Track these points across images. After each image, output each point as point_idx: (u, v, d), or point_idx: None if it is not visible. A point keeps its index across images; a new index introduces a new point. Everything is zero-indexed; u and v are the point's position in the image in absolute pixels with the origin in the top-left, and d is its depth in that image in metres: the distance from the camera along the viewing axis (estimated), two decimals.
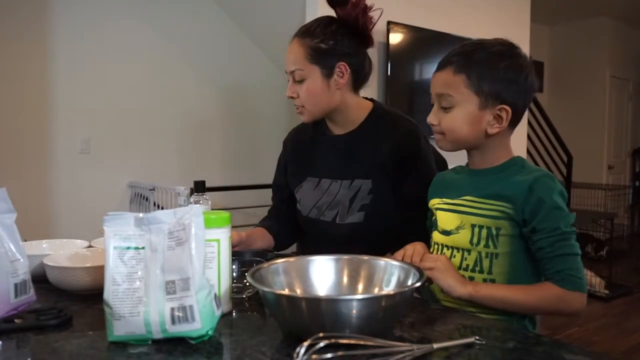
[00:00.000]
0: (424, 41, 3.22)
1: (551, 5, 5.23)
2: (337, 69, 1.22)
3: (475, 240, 0.98)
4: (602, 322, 3.31)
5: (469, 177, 1.06)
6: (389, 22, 3.07)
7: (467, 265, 0.99)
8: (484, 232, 0.97)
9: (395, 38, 3.11)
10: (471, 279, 0.98)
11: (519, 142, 4.12)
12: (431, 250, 1.09)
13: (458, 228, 1.01)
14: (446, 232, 1.03)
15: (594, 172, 5.77)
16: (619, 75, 6.05)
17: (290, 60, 1.23)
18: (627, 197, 5.26)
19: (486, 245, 0.97)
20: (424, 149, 1.25)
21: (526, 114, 4.24)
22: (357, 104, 1.29)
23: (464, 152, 1.07)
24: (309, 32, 1.22)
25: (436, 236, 1.07)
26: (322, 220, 1.28)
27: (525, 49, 4.05)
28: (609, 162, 6.00)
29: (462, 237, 1.00)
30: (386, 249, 1.18)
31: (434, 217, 1.09)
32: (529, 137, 4.45)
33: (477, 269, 0.98)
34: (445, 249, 1.04)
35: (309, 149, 1.36)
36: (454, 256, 1.01)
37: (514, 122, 1.01)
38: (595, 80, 5.92)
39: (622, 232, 4.71)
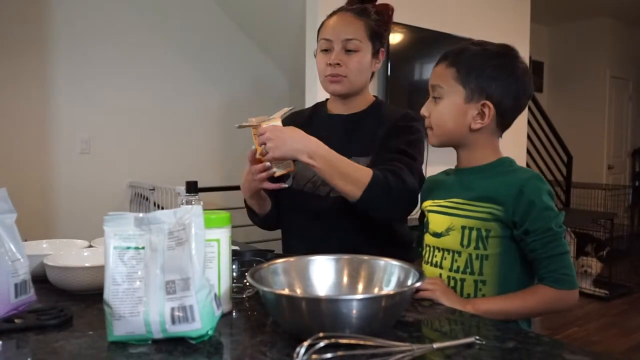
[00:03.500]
0: (424, 41, 3.22)
1: (551, 5, 5.24)
2: (380, 54, 1.31)
3: (465, 242, 0.99)
4: (602, 322, 3.31)
5: (457, 177, 1.07)
6: None
7: (458, 267, 0.99)
8: (474, 233, 0.98)
9: (395, 38, 3.11)
10: (462, 281, 0.99)
11: (519, 142, 4.11)
12: (423, 252, 1.09)
13: (448, 230, 1.01)
14: (437, 234, 1.04)
15: (594, 172, 5.77)
16: (619, 75, 6.05)
17: (348, 30, 1.25)
18: (627, 197, 5.25)
19: (476, 247, 0.98)
20: (418, 126, 1.27)
21: (526, 114, 4.27)
22: (367, 92, 1.36)
23: (454, 155, 1.09)
24: (366, 12, 1.28)
25: (427, 238, 1.08)
26: (316, 194, 1.27)
27: (525, 49, 4.07)
28: (609, 162, 6.00)
29: (452, 239, 1.00)
30: (372, 230, 1.23)
31: (425, 219, 1.10)
32: (529, 137, 4.45)
33: (468, 270, 0.98)
34: (436, 251, 1.04)
35: (303, 128, 1.34)
36: (445, 258, 1.02)
37: (502, 124, 1.02)
38: (595, 80, 5.92)
39: (622, 232, 4.71)
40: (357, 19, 1.27)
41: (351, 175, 1.08)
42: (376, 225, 1.24)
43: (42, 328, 0.74)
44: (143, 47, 3.58)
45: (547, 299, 0.93)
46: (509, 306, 0.94)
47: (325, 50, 1.28)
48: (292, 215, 1.34)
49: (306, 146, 1.06)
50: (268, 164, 1.11)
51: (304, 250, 1.12)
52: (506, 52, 1.01)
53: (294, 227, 1.36)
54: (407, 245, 1.34)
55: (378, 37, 1.29)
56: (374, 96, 1.39)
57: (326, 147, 1.10)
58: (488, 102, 0.98)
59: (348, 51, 1.25)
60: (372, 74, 1.35)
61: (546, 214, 0.93)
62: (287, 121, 1.43)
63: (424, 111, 1.05)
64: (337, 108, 1.36)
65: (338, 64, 1.25)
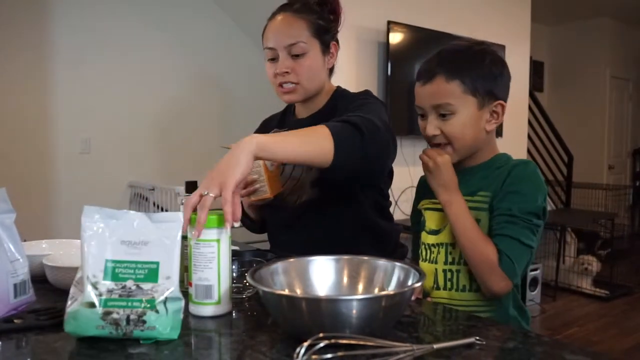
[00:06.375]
0: (424, 41, 3.22)
1: (551, 5, 5.24)
2: (332, 48, 1.23)
3: None
4: (602, 322, 3.31)
5: (457, 176, 1.05)
6: (389, 22, 3.07)
7: (453, 259, 1.00)
8: None
9: (395, 38, 3.11)
10: (457, 272, 0.99)
11: (519, 142, 4.12)
12: (419, 250, 1.09)
13: (445, 226, 1.02)
14: (433, 232, 1.04)
15: (595, 172, 5.77)
16: (619, 75, 6.06)
17: (288, 33, 1.17)
18: (627, 197, 5.25)
19: None
20: (369, 97, 1.19)
21: (526, 114, 4.27)
22: (328, 88, 1.28)
23: None
24: (306, 7, 1.20)
25: (424, 237, 1.07)
26: (284, 205, 1.23)
27: (525, 49, 4.08)
28: (609, 162, 6.00)
29: (447, 233, 1.01)
30: (342, 232, 1.19)
31: (422, 218, 1.10)
32: (529, 137, 4.45)
33: (462, 260, 0.98)
34: (433, 248, 1.04)
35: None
36: (439, 252, 1.02)
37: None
38: (595, 80, 5.93)
39: (622, 232, 4.71)
40: (298, 18, 1.18)
41: (309, 135, 0.93)
42: (345, 226, 1.20)
43: (41, 328, 0.74)
44: (143, 47, 3.58)
45: (488, 259, 0.91)
46: (467, 228, 0.93)
47: (272, 59, 1.20)
48: (269, 224, 1.35)
49: (247, 144, 0.83)
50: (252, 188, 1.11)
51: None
52: (487, 48, 1.02)
53: (271, 235, 1.37)
54: (387, 242, 1.29)
55: (325, 31, 1.21)
56: (336, 87, 1.31)
57: (269, 135, 0.91)
58: (501, 102, 0.99)
59: (295, 56, 1.17)
60: (332, 69, 1.27)
61: (512, 197, 0.93)
62: (260, 128, 1.40)
63: (432, 131, 0.99)
64: (300, 112, 1.30)
65: (287, 72, 1.18)
